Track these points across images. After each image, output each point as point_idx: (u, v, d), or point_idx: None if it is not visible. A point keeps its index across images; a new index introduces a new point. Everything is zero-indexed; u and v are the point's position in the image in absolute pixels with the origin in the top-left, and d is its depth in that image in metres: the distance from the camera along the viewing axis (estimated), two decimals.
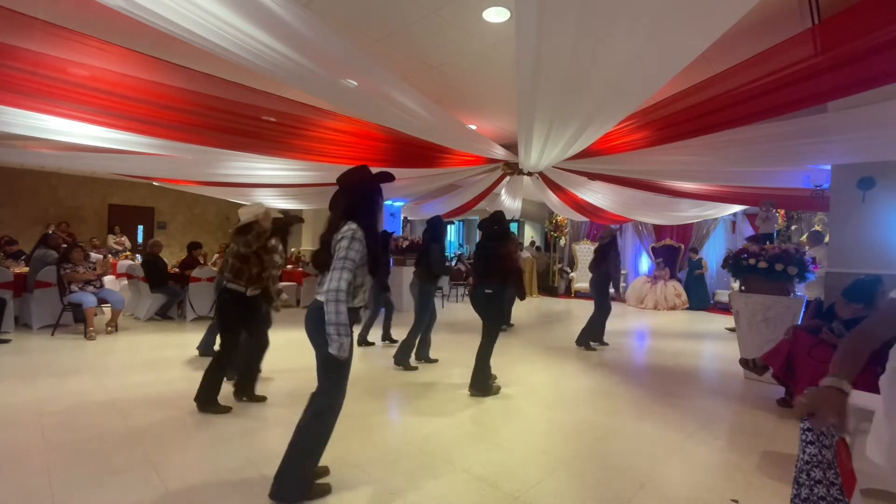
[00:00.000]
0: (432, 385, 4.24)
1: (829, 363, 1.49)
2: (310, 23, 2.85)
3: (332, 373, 2.21)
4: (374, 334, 5.91)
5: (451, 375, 4.57)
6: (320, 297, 2.18)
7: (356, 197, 2.29)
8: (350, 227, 2.16)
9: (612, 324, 6.00)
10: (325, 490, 2.32)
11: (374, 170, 2.41)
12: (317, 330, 2.17)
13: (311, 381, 4.19)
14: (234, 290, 3.47)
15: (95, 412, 3.29)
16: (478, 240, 4.39)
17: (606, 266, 5.87)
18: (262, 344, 3.77)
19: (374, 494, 2.33)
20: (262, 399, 3.65)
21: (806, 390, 1.41)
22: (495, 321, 4.10)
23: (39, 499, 2.20)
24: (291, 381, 4.18)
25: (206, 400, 3.37)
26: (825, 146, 4.34)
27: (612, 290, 6.00)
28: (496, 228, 4.15)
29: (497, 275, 4.00)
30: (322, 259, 2.23)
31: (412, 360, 4.82)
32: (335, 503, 2.25)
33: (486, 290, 3.99)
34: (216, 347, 4.01)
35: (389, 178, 2.40)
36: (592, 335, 5.97)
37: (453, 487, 2.43)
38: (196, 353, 4.96)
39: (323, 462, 2.37)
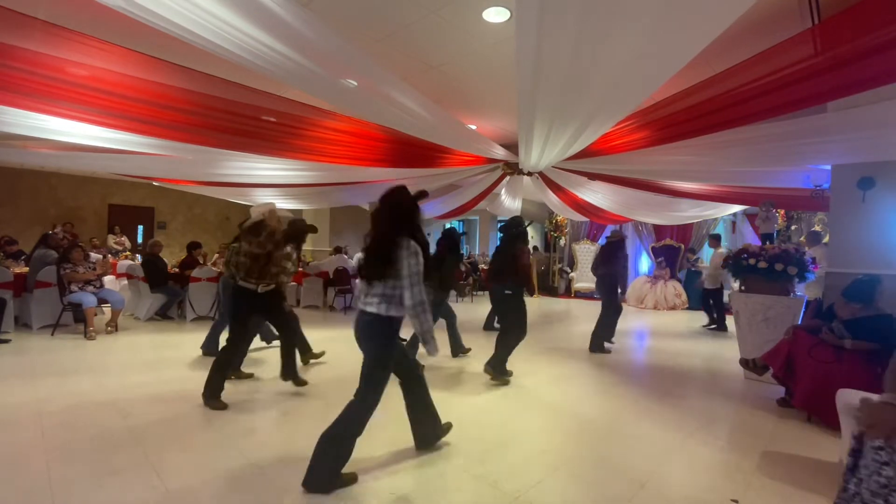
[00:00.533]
0: (432, 385, 4.23)
1: (829, 363, 1.48)
2: (310, 23, 2.85)
3: (375, 379, 2.41)
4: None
5: (451, 375, 4.57)
6: (371, 309, 2.38)
7: (406, 215, 2.44)
8: (415, 245, 2.35)
9: None
10: (352, 479, 2.40)
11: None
12: (368, 339, 2.42)
13: (316, 381, 4.18)
14: (246, 287, 3.60)
15: (95, 412, 3.29)
16: (498, 242, 4.81)
17: (614, 267, 5.84)
18: (295, 331, 4.06)
19: (375, 494, 2.33)
20: (305, 383, 3.92)
21: (861, 401, 1.36)
22: (517, 317, 4.39)
23: (39, 499, 2.20)
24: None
25: (209, 395, 3.45)
26: (825, 146, 4.34)
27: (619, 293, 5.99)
28: (513, 231, 4.47)
29: (515, 275, 4.32)
30: (375, 272, 2.36)
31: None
32: (334, 502, 2.25)
33: (506, 291, 4.33)
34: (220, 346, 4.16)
35: (425, 195, 2.59)
36: (605, 336, 5.94)
37: (453, 487, 2.43)
38: (199, 352, 4.96)
39: None
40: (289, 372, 3.87)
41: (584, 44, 2.76)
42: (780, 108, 3.67)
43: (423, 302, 2.32)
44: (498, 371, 4.28)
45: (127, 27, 3.35)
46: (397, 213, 2.44)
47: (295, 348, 4.02)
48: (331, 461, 2.33)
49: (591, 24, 2.56)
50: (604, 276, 5.94)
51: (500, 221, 15.05)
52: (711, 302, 7.98)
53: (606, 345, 5.90)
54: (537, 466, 2.68)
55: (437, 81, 5.30)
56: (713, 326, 7.94)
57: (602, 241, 12.68)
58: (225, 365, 3.54)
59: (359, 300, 2.52)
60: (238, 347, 3.64)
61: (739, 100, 3.60)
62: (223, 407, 3.42)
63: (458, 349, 5.30)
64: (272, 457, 2.69)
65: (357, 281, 2.53)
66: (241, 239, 3.70)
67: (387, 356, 2.44)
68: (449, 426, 2.95)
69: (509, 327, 4.43)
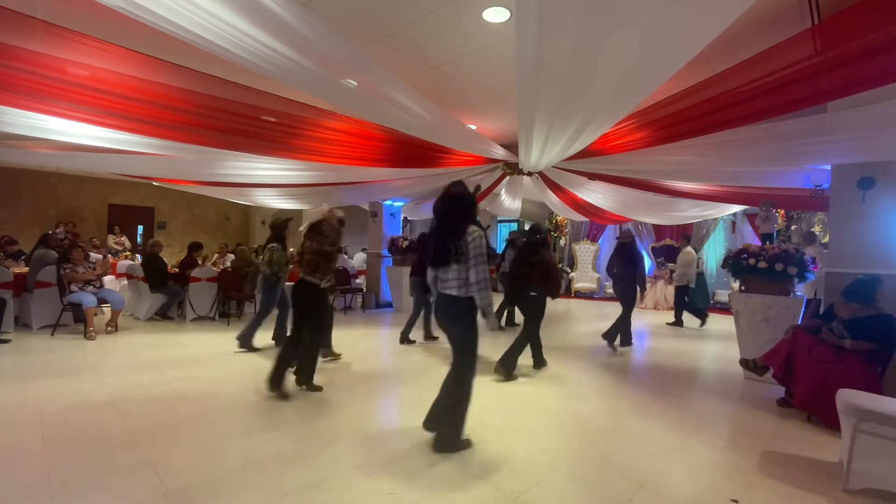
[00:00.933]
0: (432, 385, 4.23)
1: (828, 363, 1.47)
2: (310, 23, 2.85)
3: (468, 349, 2.77)
4: (416, 333, 6.07)
5: None
6: (451, 292, 2.71)
7: (469, 207, 2.75)
8: (477, 230, 2.68)
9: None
10: (469, 443, 2.80)
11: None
12: (450, 319, 2.79)
13: (317, 381, 4.17)
14: (311, 282, 3.83)
15: (95, 412, 3.29)
16: (521, 246, 5.14)
17: (632, 268, 5.86)
18: (324, 337, 4.21)
19: (374, 493, 2.33)
20: (319, 389, 3.90)
21: None
22: (537, 318, 4.68)
23: (39, 499, 2.20)
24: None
25: (274, 384, 3.64)
26: (825, 146, 4.34)
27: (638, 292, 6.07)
28: (537, 237, 4.74)
29: (540, 278, 4.57)
30: (447, 258, 2.68)
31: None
32: (333, 502, 2.25)
33: (532, 293, 4.59)
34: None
35: (480, 188, 2.95)
36: (624, 341, 5.97)
37: (453, 487, 2.43)
38: (199, 352, 5.00)
39: (323, 457, 2.41)
40: (305, 377, 3.91)
41: (584, 43, 2.76)
42: (780, 108, 3.67)
43: (486, 279, 2.63)
44: (506, 371, 4.41)
45: (127, 27, 3.35)
46: (463, 206, 2.72)
47: (317, 356, 4.08)
48: (453, 425, 2.70)
49: (592, 23, 2.56)
50: (622, 276, 5.96)
51: (501, 221, 15.06)
52: (686, 299, 8.22)
53: (620, 348, 5.91)
54: (537, 466, 2.68)
55: (437, 81, 5.30)
56: (673, 322, 8.22)
57: (601, 240, 12.71)
58: (290, 356, 3.71)
59: (433, 286, 2.85)
60: (300, 340, 3.80)
61: (739, 100, 3.60)
62: (285, 397, 3.60)
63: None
64: (272, 456, 2.68)
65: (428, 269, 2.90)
66: (305, 238, 3.88)
67: (471, 330, 2.75)
68: (469, 443, 2.88)
69: (528, 325, 4.65)
